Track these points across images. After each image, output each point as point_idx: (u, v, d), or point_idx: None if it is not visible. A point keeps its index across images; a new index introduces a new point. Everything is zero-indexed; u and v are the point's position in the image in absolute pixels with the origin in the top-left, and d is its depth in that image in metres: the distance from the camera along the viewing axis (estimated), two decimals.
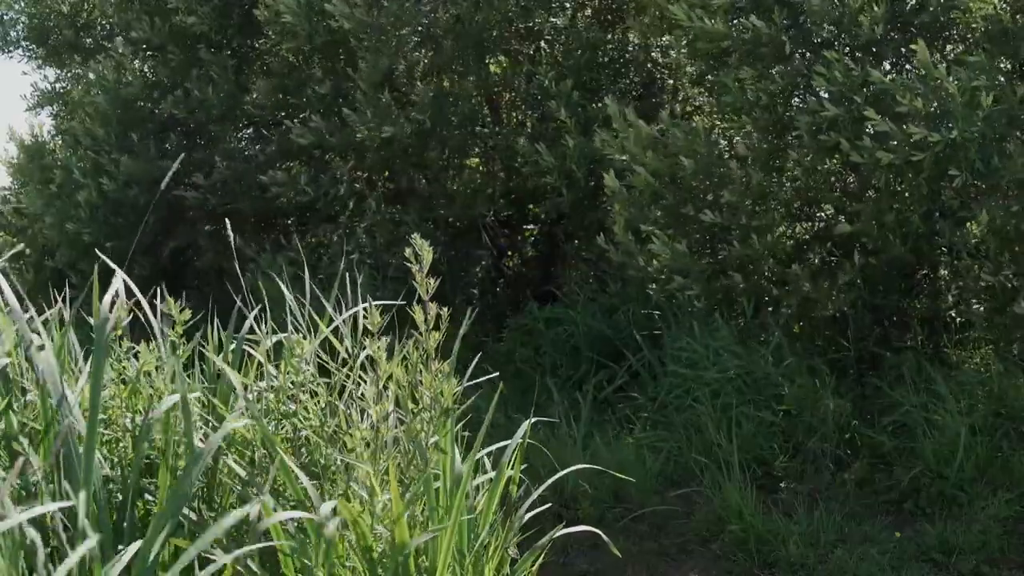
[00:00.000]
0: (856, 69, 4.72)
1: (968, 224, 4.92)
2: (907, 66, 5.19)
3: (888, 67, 5.27)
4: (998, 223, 4.55)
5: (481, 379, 3.07)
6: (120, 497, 2.53)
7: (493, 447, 2.90)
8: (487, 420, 2.85)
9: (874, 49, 5.11)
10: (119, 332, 2.71)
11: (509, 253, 8.19)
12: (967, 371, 5.05)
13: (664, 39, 6.95)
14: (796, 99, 5.43)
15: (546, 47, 7.41)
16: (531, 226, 8.27)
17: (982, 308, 5.10)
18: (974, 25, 4.79)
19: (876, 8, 4.81)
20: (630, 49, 7.36)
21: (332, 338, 2.97)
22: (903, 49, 5.10)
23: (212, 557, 2.46)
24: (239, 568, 2.45)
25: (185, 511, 2.52)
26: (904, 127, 4.46)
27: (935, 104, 4.50)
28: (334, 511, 2.43)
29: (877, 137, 4.70)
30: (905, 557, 3.88)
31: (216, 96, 7.42)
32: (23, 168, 9.25)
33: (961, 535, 3.94)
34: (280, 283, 3.08)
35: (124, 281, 2.66)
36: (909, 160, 4.53)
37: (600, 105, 6.96)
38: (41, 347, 2.47)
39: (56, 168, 8.42)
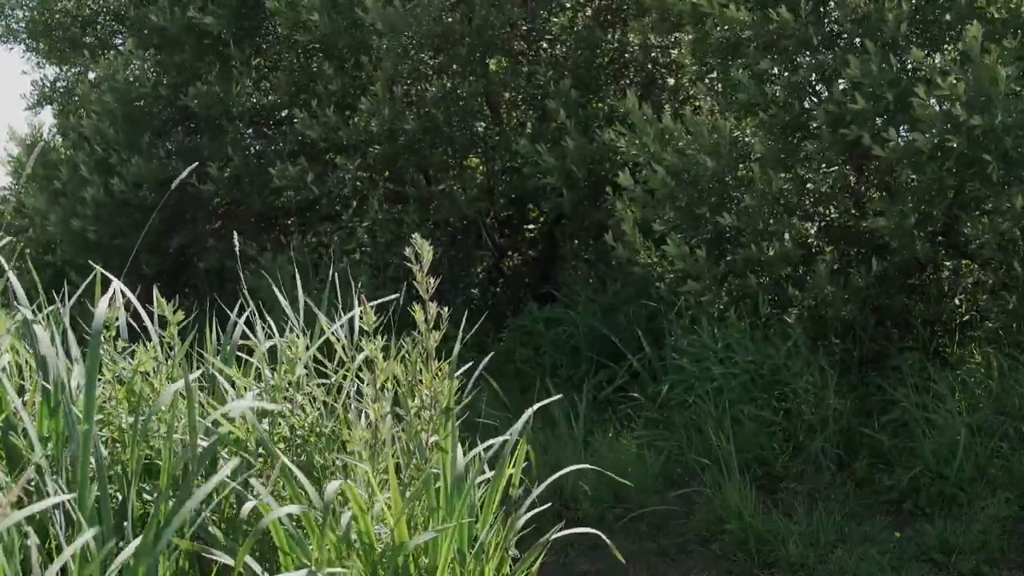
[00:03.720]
0: (896, 62, 4.68)
1: (984, 220, 4.89)
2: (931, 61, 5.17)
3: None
4: None
5: (461, 368, 3.05)
6: (120, 497, 2.53)
7: (493, 440, 2.89)
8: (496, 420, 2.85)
9: (892, 45, 5.08)
10: (112, 334, 2.71)
11: (509, 253, 8.19)
12: (968, 371, 5.04)
13: (666, 39, 6.94)
14: (809, 98, 5.39)
15: (546, 47, 7.42)
16: (531, 226, 8.27)
17: (996, 304, 5.07)
18: (997, 16, 4.75)
19: (903, 6, 4.80)
20: (630, 49, 7.36)
21: (331, 338, 2.96)
22: (926, 48, 5.08)
23: (213, 557, 2.47)
24: (239, 570, 2.45)
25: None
26: (948, 108, 4.42)
27: (974, 89, 4.45)
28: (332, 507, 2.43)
29: (903, 126, 4.68)
30: (905, 557, 3.87)
31: (236, 92, 7.44)
32: (24, 166, 9.25)
33: (961, 535, 3.93)
34: (277, 284, 3.08)
35: (120, 287, 2.66)
36: (941, 146, 4.48)
37: (600, 104, 6.96)
38: (37, 321, 2.48)
39: (60, 165, 8.42)
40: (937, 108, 4.49)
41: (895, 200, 4.96)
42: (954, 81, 4.43)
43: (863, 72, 4.74)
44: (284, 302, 3.02)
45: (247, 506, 2.40)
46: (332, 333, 2.97)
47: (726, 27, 5.26)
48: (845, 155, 5.14)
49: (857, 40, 4.98)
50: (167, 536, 2.27)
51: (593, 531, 3.03)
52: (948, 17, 4.95)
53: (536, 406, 2.96)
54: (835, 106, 4.90)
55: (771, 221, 5.27)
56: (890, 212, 4.88)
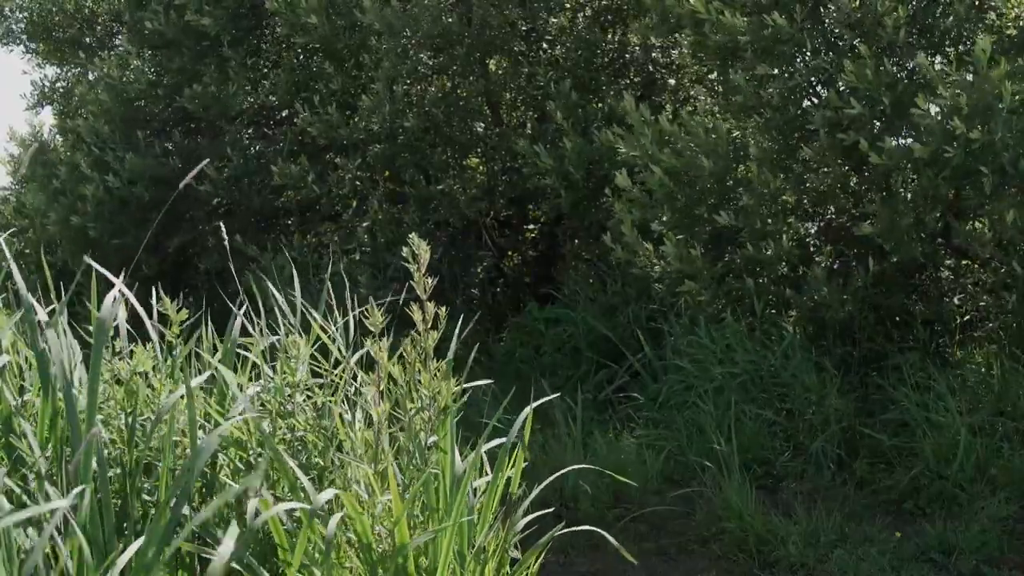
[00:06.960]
0: (888, 65, 4.67)
1: (976, 224, 4.88)
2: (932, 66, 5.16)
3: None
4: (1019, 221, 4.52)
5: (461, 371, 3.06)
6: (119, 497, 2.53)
7: (493, 442, 2.89)
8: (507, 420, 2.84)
9: (890, 50, 5.08)
10: (111, 333, 2.71)
11: (509, 253, 8.19)
12: (969, 371, 5.04)
13: (666, 40, 6.93)
14: (809, 99, 5.38)
15: (546, 47, 7.42)
16: (531, 226, 8.27)
17: (996, 304, 5.07)
18: (1008, 30, 4.74)
19: (899, 11, 4.79)
20: (630, 49, 7.36)
21: (327, 341, 2.96)
22: (924, 52, 5.08)
23: (210, 556, 2.46)
24: (238, 568, 2.45)
25: (185, 511, 2.52)
26: (948, 121, 4.42)
27: (976, 101, 4.44)
28: (330, 506, 2.43)
29: (900, 135, 4.68)
30: (905, 557, 3.87)
31: (233, 93, 7.44)
32: (24, 165, 9.26)
33: (961, 535, 3.93)
34: (276, 284, 3.08)
35: (122, 289, 2.66)
36: (939, 155, 4.48)
37: (600, 105, 6.96)
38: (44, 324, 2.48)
39: (59, 164, 8.42)
40: (936, 118, 4.47)
41: (890, 203, 4.96)
42: (956, 93, 4.42)
43: (858, 77, 4.74)
44: (281, 301, 3.01)
45: (251, 504, 2.40)
46: (328, 334, 2.97)
47: (723, 33, 5.26)
48: (844, 158, 5.13)
49: (857, 44, 4.96)
50: (168, 537, 2.27)
51: (593, 528, 3.01)
52: (948, 23, 4.94)
53: (534, 404, 2.95)
54: (832, 111, 4.90)
55: (769, 221, 5.27)
56: (882, 215, 4.88)
